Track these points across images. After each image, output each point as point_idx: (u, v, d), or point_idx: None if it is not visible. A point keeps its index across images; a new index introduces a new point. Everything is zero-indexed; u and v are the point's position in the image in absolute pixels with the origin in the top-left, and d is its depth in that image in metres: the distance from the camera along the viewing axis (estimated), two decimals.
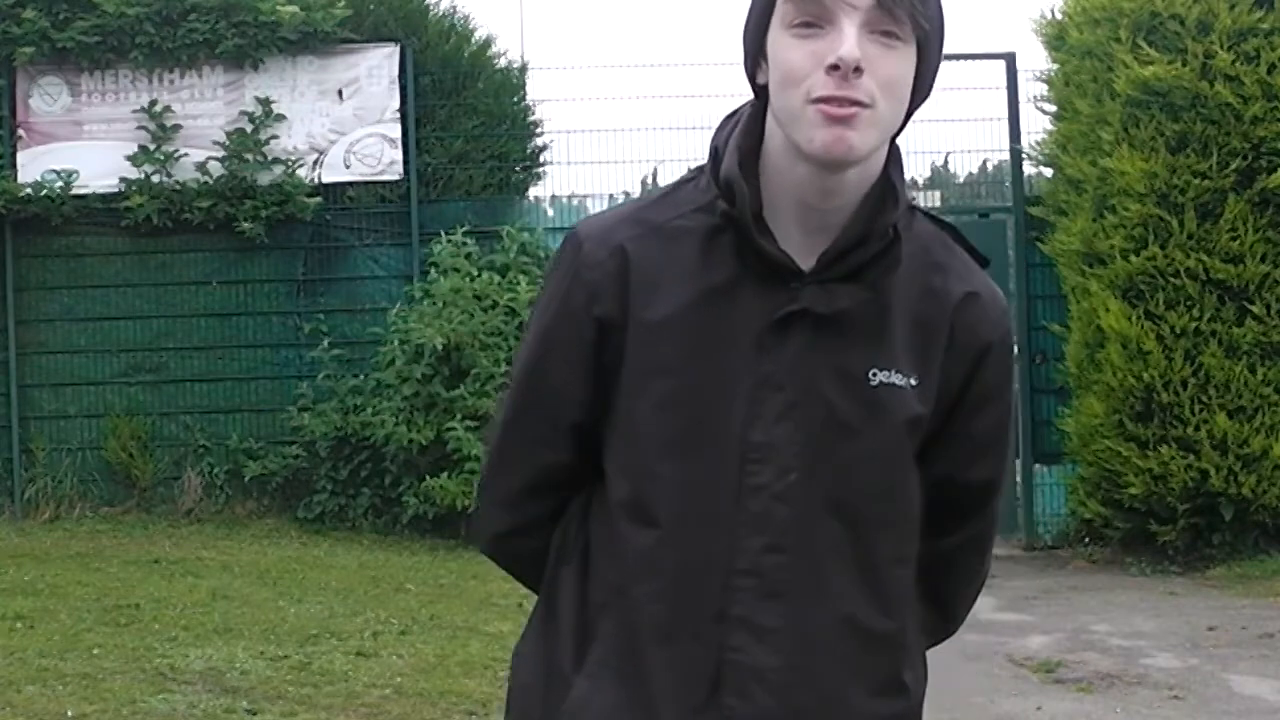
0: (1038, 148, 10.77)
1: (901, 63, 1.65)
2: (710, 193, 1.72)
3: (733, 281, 1.70)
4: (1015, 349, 1.79)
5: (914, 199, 1.79)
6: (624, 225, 1.75)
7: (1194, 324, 9.34)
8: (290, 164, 11.04)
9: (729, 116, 1.77)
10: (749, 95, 1.77)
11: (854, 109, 1.61)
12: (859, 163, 1.66)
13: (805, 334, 1.69)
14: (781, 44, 1.65)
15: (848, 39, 1.60)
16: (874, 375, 1.69)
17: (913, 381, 1.71)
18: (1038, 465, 10.96)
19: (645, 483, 1.70)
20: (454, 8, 11.78)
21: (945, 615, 1.88)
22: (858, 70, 1.60)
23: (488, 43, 11.77)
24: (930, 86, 1.73)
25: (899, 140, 1.73)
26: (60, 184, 10.98)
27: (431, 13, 11.60)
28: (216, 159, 11.06)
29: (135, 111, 11.13)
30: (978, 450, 1.78)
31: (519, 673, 1.81)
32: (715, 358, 1.69)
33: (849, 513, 1.69)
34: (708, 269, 1.70)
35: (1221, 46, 9.37)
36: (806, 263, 1.69)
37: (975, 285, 1.77)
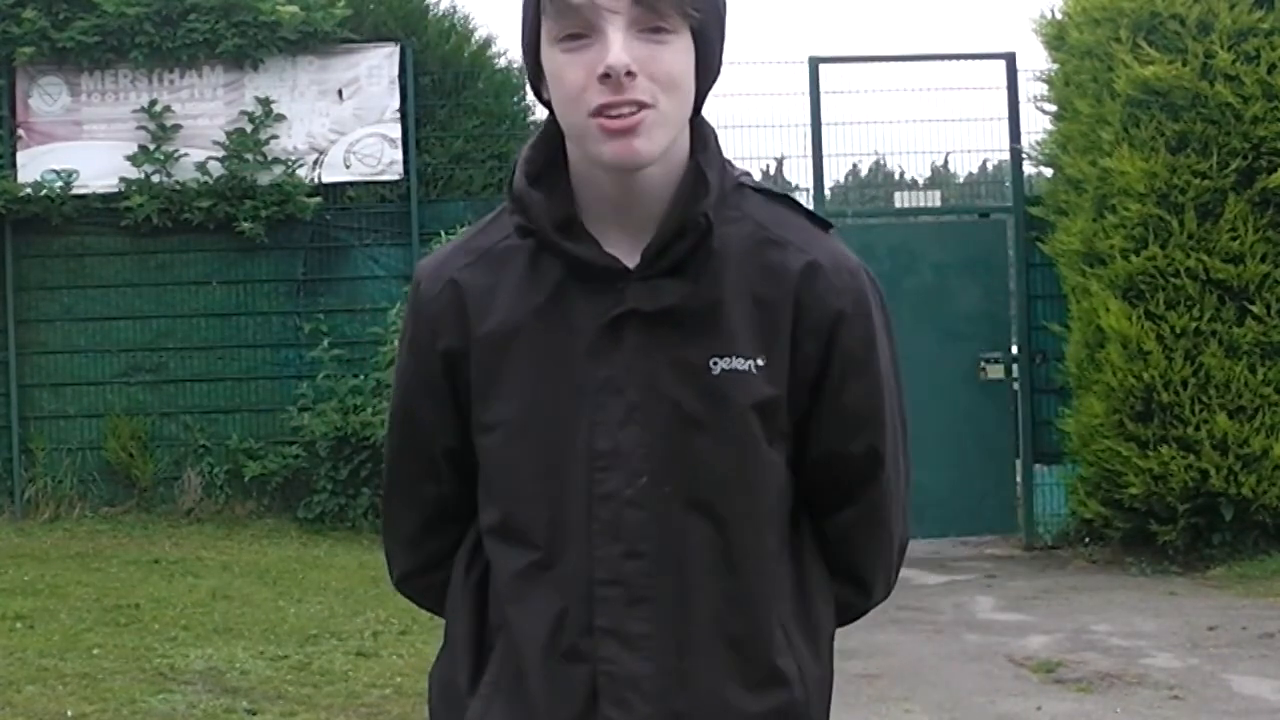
0: (1038, 148, 10.76)
1: (677, 55, 1.64)
2: None
3: (561, 292, 1.70)
4: (880, 311, 1.67)
5: (740, 176, 1.77)
6: (455, 256, 1.78)
7: (1194, 324, 9.33)
8: (290, 164, 11.05)
9: (534, 133, 1.78)
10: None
11: (636, 116, 1.61)
12: (653, 163, 1.66)
13: (638, 333, 1.68)
14: (554, 61, 1.66)
15: (613, 45, 1.60)
16: (715, 364, 1.68)
17: (759, 362, 1.69)
18: (1038, 465, 10.96)
19: (508, 505, 1.73)
20: (454, 8, 11.80)
21: (859, 589, 1.85)
22: (630, 74, 1.60)
23: (488, 43, 11.78)
24: (719, 64, 1.72)
25: (715, 120, 1.74)
26: (60, 184, 10.99)
27: (431, 13, 11.61)
28: (216, 159, 11.06)
29: (135, 111, 11.13)
30: (853, 422, 1.75)
31: (430, 694, 1.85)
32: (555, 370, 1.70)
33: (708, 508, 1.69)
34: (536, 284, 1.71)
35: (1222, 46, 9.36)
36: (632, 260, 1.69)
37: (816, 254, 1.72)
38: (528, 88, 1.77)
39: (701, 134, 1.72)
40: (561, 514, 1.69)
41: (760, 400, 1.69)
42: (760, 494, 1.71)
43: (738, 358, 1.68)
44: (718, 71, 1.72)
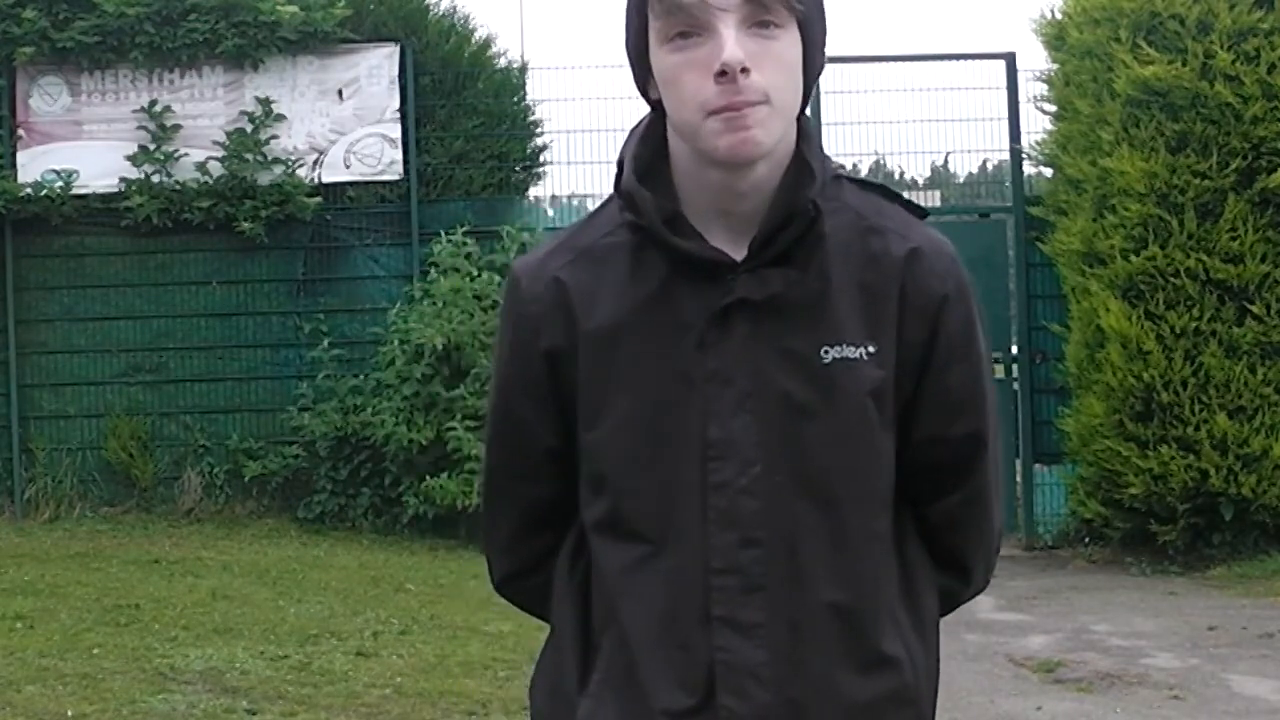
0: (1038, 148, 10.77)
1: (786, 48, 1.65)
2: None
3: (667, 286, 1.71)
4: (974, 298, 1.79)
5: (837, 168, 1.78)
6: (555, 255, 1.78)
7: (1194, 324, 9.34)
8: (290, 164, 11.04)
9: (633, 129, 1.78)
10: None
11: (751, 112, 1.63)
12: (768, 155, 1.67)
13: (746, 324, 1.69)
14: (665, 61, 1.66)
15: (727, 42, 1.61)
16: (825, 353, 1.69)
17: (869, 349, 1.70)
18: (1038, 465, 10.96)
19: (617, 499, 1.72)
20: (454, 8, 11.80)
21: (963, 577, 1.86)
22: (744, 71, 1.61)
23: (488, 43, 11.78)
24: (822, 58, 1.73)
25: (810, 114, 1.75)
26: (60, 184, 10.99)
27: (431, 13, 11.61)
28: (216, 159, 11.06)
29: (135, 111, 11.13)
30: (955, 405, 1.77)
31: (534, 700, 1.85)
32: (664, 364, 1.70)
33: (820, 495, 1.70)
34: (641, 280, 1.72)
35: (1221, 46, 9.37)
36: (739, 254, 1.70)
37: (917, 240, 1.75)
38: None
39: (804, 127, 1.74)
40: (672, 505, 1.70)
41: (875, 387, 1.70)
42: (873, 479, 1.73)
43: (848, 346, 1.70)
44: (822, 64, 1.74)
